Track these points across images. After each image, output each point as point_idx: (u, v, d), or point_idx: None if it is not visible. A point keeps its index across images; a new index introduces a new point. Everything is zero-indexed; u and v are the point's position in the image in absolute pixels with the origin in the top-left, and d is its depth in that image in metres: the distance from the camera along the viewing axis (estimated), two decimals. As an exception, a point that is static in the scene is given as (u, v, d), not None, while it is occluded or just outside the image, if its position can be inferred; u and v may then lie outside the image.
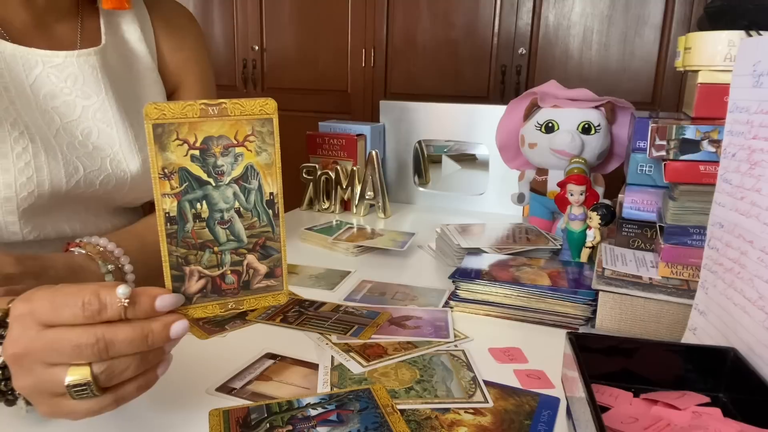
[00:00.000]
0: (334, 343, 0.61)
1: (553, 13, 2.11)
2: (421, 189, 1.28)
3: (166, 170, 0.42)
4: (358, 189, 1.15)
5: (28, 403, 0.42)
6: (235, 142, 0.43)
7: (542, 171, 1.00)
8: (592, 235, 0.78)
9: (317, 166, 1.19)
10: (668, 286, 0.64)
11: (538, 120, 0.97)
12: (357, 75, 2.40)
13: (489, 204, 1.21)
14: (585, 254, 0.79)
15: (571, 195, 0.80)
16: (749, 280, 0.46)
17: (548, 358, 0.59)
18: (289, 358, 0.58)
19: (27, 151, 0.62)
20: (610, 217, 0.78)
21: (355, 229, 1.01)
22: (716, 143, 0.62)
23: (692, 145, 0.63)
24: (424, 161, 1.34)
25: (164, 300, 0.41)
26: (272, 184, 0.45)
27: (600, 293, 0.65)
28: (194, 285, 0.44)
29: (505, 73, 2.19)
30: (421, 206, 1.26)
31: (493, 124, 1.07)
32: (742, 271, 0.47)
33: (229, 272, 0.45)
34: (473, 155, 1.41)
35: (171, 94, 0.83)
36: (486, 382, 0.54)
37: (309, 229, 1.01)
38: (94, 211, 0.74)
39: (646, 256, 0.74)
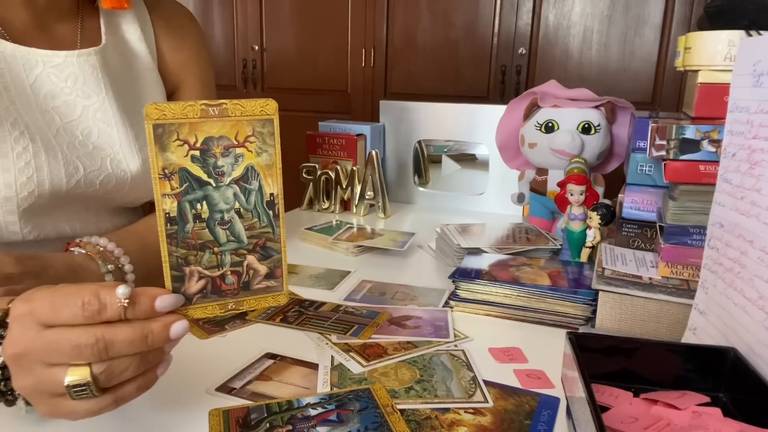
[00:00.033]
0: (334, 343, 0.61)
1: (553, 13, 2.11)
2: (421, 189, 1.28)
3: (166, 171, 0.42)
4: (358, 189, 1.15)
5: (27, 403, 0.42)
6: (236, 142, 0.43)
7: (542, 171, 1.00)
8: (592, 235, 0.78)
9: (317, 166, 1.19)
10: (668, 286, 0.64)
11: (538, 120, 0.97)
12: (357, 75, 2.40)
13: (489, 204, 1.21)
14: (585, 254, 0.79)
15: (571, 195, 0.80)
16: (749, 280, 0.46)
17: (548, 358, 0.59)
18: (289, 358, 0.58)
19: (27, 151, 0.62)
20: (610, 217, 0.78)
21: (355, 229, 1.01)
22: (716, 143, 0.62)
23: (692, 145, 0.63)
24: (424, 161, 1.34)
25: (164, 300, 0.41)
26: (273, 185, 0.45)
27: (600, 293, 0.65)
28: (194, 285, 0.44)
29: (505, 73, 2.20)
30: (421, 206, 1.26)
31: (493, 124, 1.07)
32: (742, 271, 0.47)
33: (229, 273, 0.45)
34: (473, 155, 1.41)
35: (171, 94, 0.83)
36: (486, 382, 0.54)
37: (309, 229, 1.01)
38: (94, 210, 0.74)
39: (646, 256, 0.74)
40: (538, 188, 1.01)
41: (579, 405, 0.40)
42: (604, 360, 0.48)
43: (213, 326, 0.64)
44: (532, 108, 0.99)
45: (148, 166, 0.73)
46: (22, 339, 0.38)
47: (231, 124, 0.43)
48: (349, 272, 0.84)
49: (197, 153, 0.42)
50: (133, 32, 0.77)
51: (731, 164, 0.50)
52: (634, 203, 0.76)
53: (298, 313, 0.68)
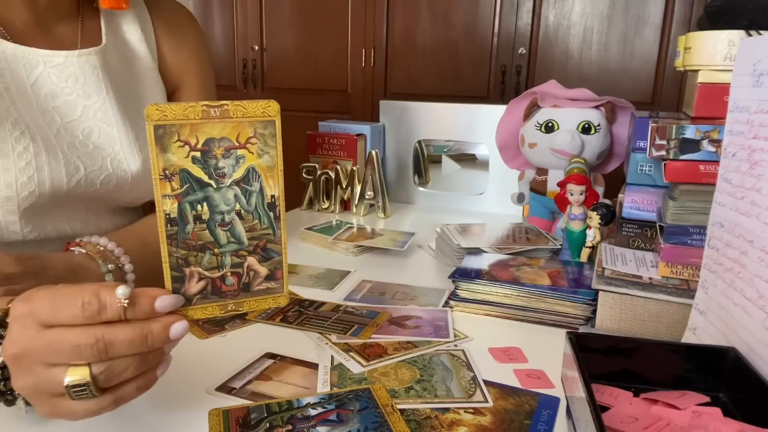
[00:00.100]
0: (334, 343, 0.61)
1: (553, 13, 2.11)
2: (421, 189, 1.28)
3: (167, 171, 0.42)
4: (358, 189, 1.15)
5: (27, 403, 0.42)
6: (237, 144, 0.43)
7: (542, 171, 1.00)
8: (592, 235, 0.78)
9: (317, 165, 1.19)
10: (668, 285, 0.64)
11: (538, 120, 0.97)
12: (357, 75, 2.40)
13: (489, 204, 1.21)
14: (585, 254, 0.79)
15: (571, 195, 0.80)
16: (749, 280, 0.46)
17: (548, 357, 0.59)
18: (289, 357, 0.58)
19: (28, 151, 0.62)
20: (610, 217, 0.78)
21: (355, 229, 1.01)
22: (716, 143, 0.62)
23: (692, 145, 0.63)
24: (424, 161, 1.34)
25: (164, 301, 0.41)
26: (274, 187, 0.45)
27: (600, 293, 0.65)
28: (194, 286, 0.44)
29: (505, 73, 2.19)
30: (421, 206, 1.26)
31: (493, 124, 1.07)
32: (743, 271, 0.47)
33: (229, 274, 0.45)
34: (473, 155, 1.41)
35: (171, 94, 0.83)
36: (486, 382, 0.54)
37: (309, 228, 1.01)
38: (95, 210, 0.74)
39: (646, 255, 0.74)
40: (538, 188, 1.01)
41: (579, 405, 0.40)
42: (604, 360, 0.48)
43: (213, 326, 0.64)
44: (532, 108, 0.99)
45: (148, 166, 0.72)
46: (21, 339, 0.38)
47: (232, 126, 0.43)
48: (349, 272, 0.84)
49: (198, 154, 0.42)
50: (133, 32, 0.77)
51: (731, 164, 0.50)
52: (634, 203, 0.76)
53: (298, 313, 0.68)
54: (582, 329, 0.66)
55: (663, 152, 0.64)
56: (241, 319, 0.66)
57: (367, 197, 1.15)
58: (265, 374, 0.55)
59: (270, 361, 0.57)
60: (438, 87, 2.29)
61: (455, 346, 0.61)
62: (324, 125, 1.25)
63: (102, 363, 0.39)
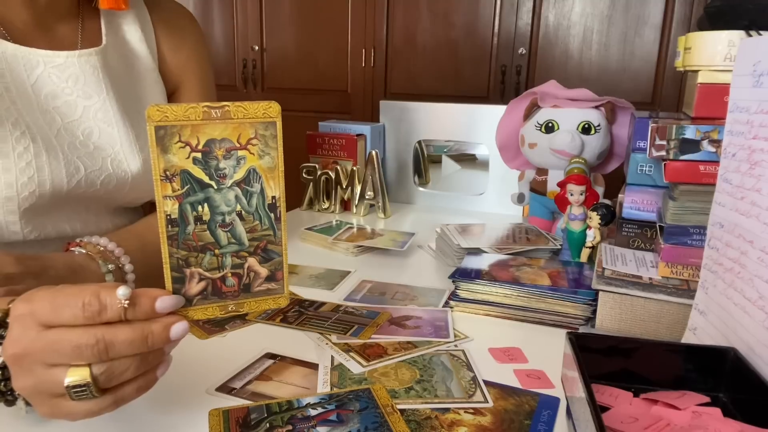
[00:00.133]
0: (334, 343, 0.61)
1: (553, 13, 2.11)
2: (421, 189, 1.28)
3: (167, 172, 0.42)
4: (358, 189, 1.15)
5: (27, 403, 0.42)
6: (238, 145, 0.43)
7: (542, 171, 1.00)
8: (592, 235, 0.78)
9: (317, 166, 1.19)
10: (668, 286, 0.64)
11: (538, 120, 0.97)
12: (357, 75, 2.40)
13: (489, 204, 1.21)
14: (585, 254, 0.79)
15: (571, 195, 0.80)
16: (749, 280, 0.46)
17: (548, 358, 0.59)
18: (289, 358, 0.58)
19: (28, 151, 0.62)
20: (610, 217, 0.78)
21: (355, 229, 1.01)
22: (716, 143, 0.62)
23: (692, 145, 0.63)
24: (424, 161, 1.34)
25: (164, 301, 0.41)
26: (274, 188, 0.45)
27: (600, 293, 0.65)
28: (194, 287, 0.44)
29: (505, 73, 2.20)
30: (421, 206, 1.26)
31: (493, 124, 1.07)
32: (742, 271, 0.47)
33: (229, 275, 0.45)
34: (473, 155, 1.41)
35: (171, 94, 0.83)
36: (486, 382, 0.54)
37: (309, 229, 1.01)
38: (95, 210, 0.74)
39: (646, 256, 0.74)
40: (538, 188, 1.01)
41: (579, 405, 0.40)
42: (604, 360, 0.48)
43: (213, 326, 0.65)
44: (532, 108, 1.00)
45: (148, 166, 0.72)
46: (22, 339, 0.38)
47: (233, 127, 0.43)
48: (349, 272, 0.84)
49: (199, 155, 0.42)
50: (133, 33, 0.77)
51: (731, 164, 0.50)
52: (634, 203, 0.76)
53: (298, 313, 0.68)
54: (582, 329, 0.66)
55: (663, 152, 0.64)
56: (241, 319, 0.66)
57: (367, 197, 1.15)
58: (265, 374, 0.55)
59: (270, 362, 0.57)
60: (438, 87, 2.29)
61: (455, 346, 0.61)
62: (324, 125, 1.25)
63: (102, 363, 0.39)
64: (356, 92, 2.42)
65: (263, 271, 0.46)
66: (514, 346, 0.62)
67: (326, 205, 1.19)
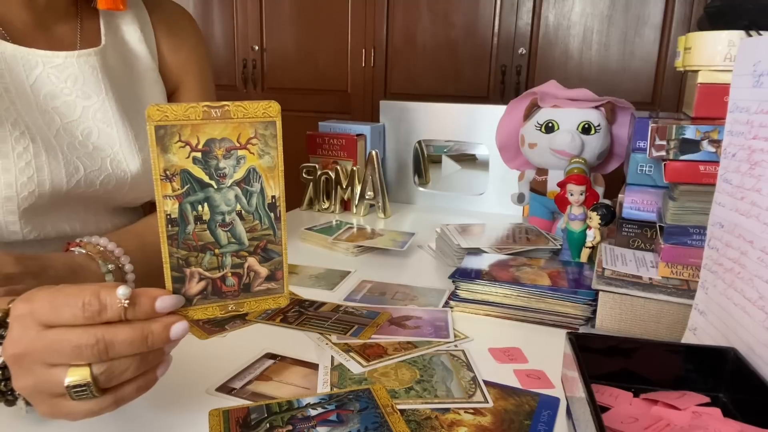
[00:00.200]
0: (334, 343, 0.61)
1: (553, 13, 2.11)
2: (421, 189, 1.28)
3: (167, 172, 0.42)
4: (358, 189, 1.15)
5: (27, 403, 0.42)
6: (238, 144, 0.43)
7: (542, 171, 1.00)
8: (592, 235, 0.78)
9: (317, 166, 1.19)
10: (668, 286, 0.64)
11: (538, 120, 0.97)
12: (357, 75, 2.40)
13: (489, 204, 1.21)
14: (585, 254, 0.79)
15: (571, 195, 0.80)
16: (749, 280, 0.46)
17: (548, 358, 0.59)
18: (289, 358, 0.58)
19: (28, 151, 0.62)
20: (610, 217, 0.78)
21: (355, 229, 1.01)
22: (716, 143, 0.62)
23: (692, 145, 0.63)
24: (424, 161, 1.34)
25: (164, 301, 0.41)
26: (274, 187, 0.45)
27: (600, 293, 0.65)
28: (195, 287, 0.44)
29: (505, 73, 2.20)
30: (421, 206, 1.26)
31: (493, 124, 1.07)
32: (742, 271, 0.47)
33: (229, 274, 0.45)
34: (473, 155, 1.41)
35: (171, 95, 0.83)
36: (486, 382, 0.54)
37: (309, 229, 1.01)
38: (94, 210, 0.74)
39: (646, 256, 0.74)
40: (538, 188, 1.01)
41: (579, 405, 0.40)
42: (604, 360, 0.48)
43: (213, 326, 0.64)
44: (532, 108, 1.00)
45: (147, 166, 0.73)
46: (22, 339, 0.38)
47: (233, 126, 0.43)
48: (349, 272, 0.84)
49: (199, 155, 0.42)
50: (132, 33, 0.77)
51: (731, 164, 0.50)
52: (634, 203, 0.76)
53: (298, 314, 0.68)
54: (582, 329, 0.66)
55: (663, 152, 0.64)
56: (241, 319, 0.66)
57: (367, 197, 1.15)
58: (265, 374, 0.55)
59: (270, 362, 0.57)
60: (438, 87, 2.29)
61: (455, 346, 0.61)
62: (324, 125, 1.25)
63: (102, 363, 0.39)
64: (356, 92, 2.42)
65: (263, 271, 0.46)
66: (514, 346, 0.62)
67: (326, 205, 1.19)
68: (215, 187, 0.43)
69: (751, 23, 0.64)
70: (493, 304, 0.70)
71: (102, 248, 0.62)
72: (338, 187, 1.17)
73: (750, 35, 0.64)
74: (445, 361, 0.58)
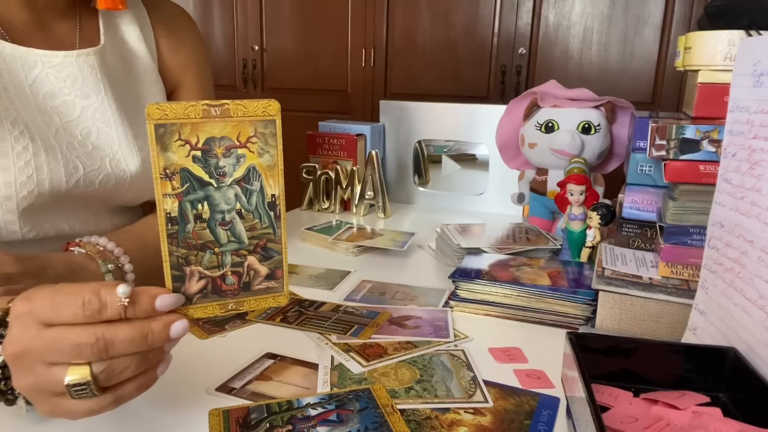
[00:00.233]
0: (334, 343, 0.61)
1: (553, 13, 2.11)
2: (421, 189, 1.28)
3: (167, 170, 0.42)
4: (358, 189, 1.15)
5: (27, 402, 0.42)
6: (238, 143, 0.43)
7: (542, 171, 1.00)
8: (592, 235, 0.78)
9: (317, 166, 1.19)
10: (668, 286, 0.64)
11: (538, 120, 0.97)
12: (357, 75, 2.40)
13: (489, 204, 1.21)
14: (585, 254, 0.79)
15: (571, 195, 0.80)
16: (749, 280, 0.46)
17: (548, 358, 0.59)
18: (289, 358, 0.58)
19: (27, 150, 0.62)
20: (610, 217, 0.78)
21: (355, 229, 1.01)
22: (716, 143, 0.62)
23: (692, 145, 0.63)
24: (424, 161, 1.34)
25: (164, 300, 0.41)
26: (274, 186, 0.45)
27: (600, 293, 0.65)
28: (194, 285, 0.44)
29: (505, 73, 2.20)
30: (421, 206, 1.26)
31: (493, 124, 1.07)
32: (743, 271, 0.47)
33: (229, 273, 0.45)
34: (473, 155, 1.41)
35: (170, 95, 0.83)
36: (486, 382, 0.54)
37: (309, 229, 1.01)
38: (94, 210, 0.74)
39: (646, 256, 0.74)
40: (538, 188, 1.01)
41: (579, 405, 0.40)
42: (604, 360, 0.48)
43: (213, 326, 0.64)
44: (532, 108, 1.00)
45: (147, 165, 0.73)
46: (22, 338, 0.38)
47: (233, 125, 0.43)
48: (349, 272, 0.84)
49: (199, 153, 0.42)
50: (132, 33, 0.77)
51: (731, 164, 0.50)
52: (634, 203, 0.76)
53: (298, 313, 0.68)
54: (582, 329, 0.66)
55: (663, 152, 0.64)
56: (241, 319, 0.66)
57: (367, 197, 1.15)
58: (265, 374, 0.55)
59: (270, 361, 0.57)
60: (438, 87, 2.29)
61: (455, 346, 0.61)
62: (324, 125, 1.25)
63: (102, 362, 0.39)
64: (356, 92, 2.42)
65: (263, 270, 0.46)
66: (514, 346, 0.62)
67: (326, 205, 1.19)
68: (215, 185, 0.43)
69: (751, 23, 0.64)
70: (493, 304, 0.70)
71: (101, 248, 0.62)
72: (338, 187, 1.17)
73: (750, 35, 0.64)
74: (445, 361, 0.58)
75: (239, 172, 0.44)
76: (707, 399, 0.44)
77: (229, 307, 0.45)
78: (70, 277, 0.57)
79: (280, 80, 2.53)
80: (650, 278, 0.66)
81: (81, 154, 0.68)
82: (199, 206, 0.43)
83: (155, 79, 0.79)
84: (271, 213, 0.45)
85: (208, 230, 0.44)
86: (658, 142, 0.64)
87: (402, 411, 0.49)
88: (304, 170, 1.19)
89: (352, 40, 2.37)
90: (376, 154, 1.14)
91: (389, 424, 0.47)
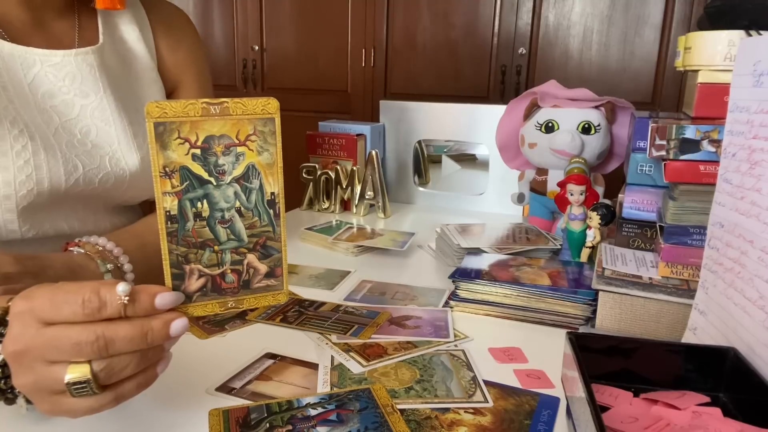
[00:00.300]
0: (334, 343, 0.61)
1: (553, 13, 2.11)
2: (421, 189, 1.28)
3: (167, 169, 0.42)
4: (358, 189, 1.15)
5: (28, 401, 0.42)
6: (237, 141, 0.43)
7: (542, 171, 1.00)
8: (592, 235, 0.78)
9: (317, 166, 1.19)
10: (668, 286, 0.64)
11: (538, 120, 0.97)
12: (357, 75, 2.40)
13: (489, 204, 1.21)
14: (585, 254, 0.79)
15: (571, 195, 0.80)
16: (749, 280, 0.46)
17: (548, 358, 0.59)
18: (289, 357, 0.58)
19: (26, 149, 0.62)
20: (610, 217, 0.78)
21: (355, 229, 1.01)
22: (716, 143, 0.62)
23: (692, 145, 0.63)
24: (424, 161, 1.34)
25: (164, 298, 0.41)
26: (273, 184, 0.45)
27: (600, 293, 0.65)
28: (194, 283, 0.44)
29: (505, 73, 2.20)
30: (421, 206, 1.26)
31: (493, 124, 1.07)
32: (743, 271, 0.47)
33: (229, 271, 0.45)
34: (473, 155, 1.41)
35: (169, 94, 0.83)
36: (486, 382, 0.54)
37: (309, 229, 1.01)
38: (93, 209, 0.74)
39: (646, 256, 0.74)
40: (538, 188, 1.01)
41: (579, 405, 0.40)
42: (604, 360, 0.48)
43: (213, 326, 0.64)
44: (532, 108, 1.00)
45: (146, 164, 0.73)
46: (22, 336, 0.38)
47: (232, 123, 0.43)
48: (349, 272, 0.84)
49: (198, 151, 0.42)
50: (131, 32, 0.77)
51: (731, 164, 0.50)
52: (634, 203, 0.76)
53: (298, 313, 0.68)
54: (582, 329, 0.66)
55: (663, 152, 0.64)
56: (241, 319, 0.66)
57: (367, 197, 1.15)
58: (265, 374, 0.55)
59: (270, 361, 0.57)
60: (438, 87, 2.29)
61: (455, 346, 0.61)
62: (324, 125, 1.25)
63: (102, 360, 0.39)
64: (356, 92, 2.42)
65: (262, 268, 0.46)
66: (514, 346, 0.62)
67: (326, 205, 1.19)
68: (214, 183, 0.43)
69: (751, 23, 0.64)
70: (493, 303, 0.70)
71: (101, 248, 0.62)
72: (338, 187, 1.17)
73: (750, 35, 0.64)
74: (445, 361, 0.58)
75: (238, 170, 0.44)
76: (707, 399, 0.44)
77: (229, 305, 0.45)
78: (70, 276, 0.57)
79: (280, 80, 2.53)
80: (650, 278, 0.66)
81: (80, 153, 0.68)
82: (199, 204, 0.43)
83: (154, 79, 0.79)
84: (271, 211, 0.45)
85: (207, 228, 0.44)
86: (658, 142, 0.64)
87: (402, 411, 0.49)
88: (304, 170, 1.19)
89: (352, 40, 2.37)
90: (376, 154, 1.14)
91: (389, 424, 0.47)
